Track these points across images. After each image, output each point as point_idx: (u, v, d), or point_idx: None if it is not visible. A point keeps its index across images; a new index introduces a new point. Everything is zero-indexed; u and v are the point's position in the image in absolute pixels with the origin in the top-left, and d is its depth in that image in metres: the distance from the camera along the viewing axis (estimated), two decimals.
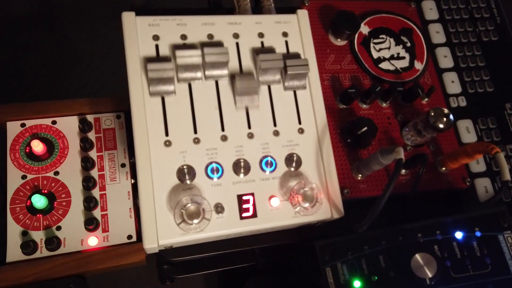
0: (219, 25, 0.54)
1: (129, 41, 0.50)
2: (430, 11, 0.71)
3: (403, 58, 0.64)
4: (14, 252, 0.69)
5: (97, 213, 0.74)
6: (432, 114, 0.55)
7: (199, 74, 0.51)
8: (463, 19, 0.71)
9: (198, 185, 0.49)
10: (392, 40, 0.65)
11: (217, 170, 0.50)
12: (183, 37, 0.53)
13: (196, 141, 0.51)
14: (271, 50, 0.55)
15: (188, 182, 0.49)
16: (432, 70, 0.66)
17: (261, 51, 0.54)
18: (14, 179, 0.73)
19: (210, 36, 0.54)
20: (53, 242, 0.69)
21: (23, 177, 0.73)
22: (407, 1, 0.69)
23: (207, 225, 0.47)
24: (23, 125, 0.76)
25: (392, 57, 0.64)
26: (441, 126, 0.54)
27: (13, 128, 0.75)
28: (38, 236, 0.70)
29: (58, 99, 1.31)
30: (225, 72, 0.52)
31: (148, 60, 0.50)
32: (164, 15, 0.53)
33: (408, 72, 0.64)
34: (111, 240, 0.73)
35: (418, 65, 0.64)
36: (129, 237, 0.74)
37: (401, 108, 0.61)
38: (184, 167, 0.49)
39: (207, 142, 0.51)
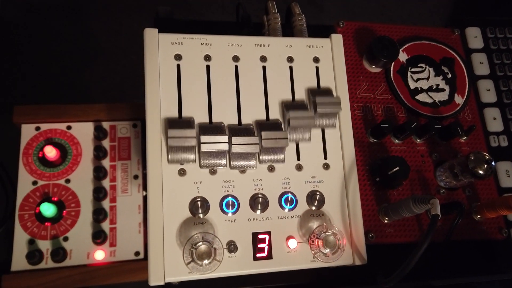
0: (246, 47, 0.51)
1: (149, 60, 0.47)
2: (475, 40, 0.65)
3: (443, 90, 0.59)
4: (19, 261, 0.67)
5: (105, 225, 0.71)
6: (472, 158, 0.50)
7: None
8: (510, 50, 0.66)
9: (211, 220, 0.46)
10: (431, 70, 0.60)
11: (233, 205, 0.46)
12: (207, 58, 0.49)
13: (213, 171, 0.47)
14: (302, 106, 0.50)
15: (200, 216, 0.46)
16: (473, 104, 0.60)
17: (291, 106, 0.49)
18: (25, 184, 0.71)
19: (236, 58, 0.50)
20: (59, 253, 0.67)
21: (34, 183, 0.71)
22: (451, 27, 0.64)
23: (218, 266, 0.43)
24: (37, 128, 0.74)
25: (430, 89, 0.59)
26: (480, 172, 0.49)
27: (27, 131, 0.74)
28: (45, 245, 0.68)
29: (78, 90, 1.30)
30: (252, 163, 0.48)
31: (169, 123, 0.46)
32: (187, 32, 0.49)
33: (447, 107, 0.58)
34: (118, 255, 0.71)
35: (459, 99, 0.59)
36: (137, 253, 0.71)
37: (437, 146, 0.56)
38: (198, 199, 0.46)
39: (224, 173, 0.47)
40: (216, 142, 0.45)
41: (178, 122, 0.46)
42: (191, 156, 0.46)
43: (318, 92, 0.50)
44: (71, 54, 1.32)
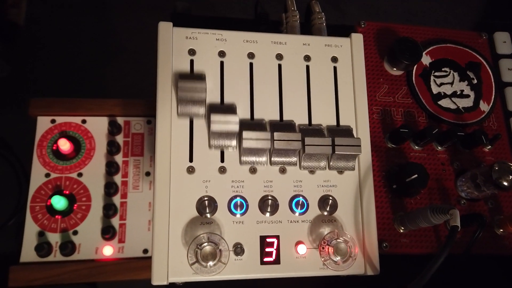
0: (262, 44, 0.49)
1: (162, 54, 0.46)
2: (503, 45, 0.62)
3: (467, 96, 0.57)
4: (28, 253, 0.67)
5: (115, 221, 0.71)
6: (496, 168, 0.47)
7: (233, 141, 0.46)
8: None
9: (218, 220, 0.44)
10: (456, 74, 0.57)
11: (241, 206, 0.45)
12: (221, 54, 0.48)
13: (222, 170, 0.46)
14: (319, 132, 0.48)
15: (208, 215, 0.44)
16: (499, 112, 0.57)
17: (310, 132, 0.47)
18: (38, 176, 0.71)
19: (251, 55, 0.49)
20: (67, 247, 0.66)
21: (47, 175, 0.71)
22: (478, 31, 0.61)
23: (223, 269, 0.42)
24: (53, 121, 0.74)
25: (454, 94, 0.56)
26: (505, 184, 0.46)
27: (43, 123, 0.74)
28: (54, 238, 0.68)
29: (98, 87, 1.31)
30: (263, 159, 0.46)
31: (180, 76, 0.45)
32: (204, 28, 0.48)
33: (472, 113, 0.56)
34: (126, 252, 0.70)
35: (484, 106, 0.56)
36: (145, 251, 0.70)
37: (459, 154, 0.54)
38: (205, 198, 0.44)
39: (234, 172, 0.46)
40: (227, 122, 0.43)
41: (189, 76, 0.45)
42: (201, 110, 0.44)
43: (337, 132, 0.47)
44: (92, 50, 1.33)
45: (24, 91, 1.22)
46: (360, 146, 0.46)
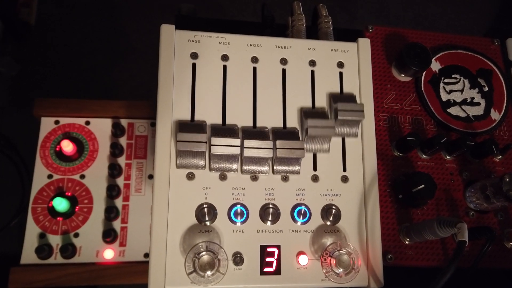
0: (266, 48, 0.48)
1: (164, 57, 0.45)
2: None
3: (478, 104, 0.55)
4: (29, 255, 0.67)
5: (117, 224, 0.70)
6: (507, 180, 0.45)
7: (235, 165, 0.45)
8: None
9: (217, 229, 0.43)
10: (466, 81, 0.56)
11: (242, 214, 0.44)
12: (224, 57, 0.47)
13: (223, 177, 0.45)
14: (321, 114, 0.47)
15: (207, 223, 0.43)
16: (511, 121, 0.56)
17: (311, 113, 0.46)
18: (40, 177, 0.71)
19: (255, 59, 0.47)
20: (68, 249, 0.66)
21: (49, 176, 0.71)
22: (490, 37, 0.59)
23: (221, 279, 0.41)
24: (57, 122, 0.74)
25: (464, 102, 0.55)
26: None
27: (46, 124, 0.74)
28: (55, 240, 0.68)
29: (107, 87, 1.31)
30: (265, 168, 0.45)
31: (180, 126, 0.44)
32: (208, 31, 0.47)
33: (482, 122, 0.54)
34: (127, 255, 0.69)
35: (495, 115, 0.55)
36: (146, 255, 0.70)
37: (468, 164, 0.52)
38: (205, 206, 0.43)
39: (235, 179, 0.45)
40: (228, 145, 0.42)
41: (189, 126, 0.44)
42: (201, 162, 0.43)
43: (340, 98, 0.47)
44: (101, 51, 1.33)
45: (33, 90, 1.23)
46: (363, 111, 0.45)
